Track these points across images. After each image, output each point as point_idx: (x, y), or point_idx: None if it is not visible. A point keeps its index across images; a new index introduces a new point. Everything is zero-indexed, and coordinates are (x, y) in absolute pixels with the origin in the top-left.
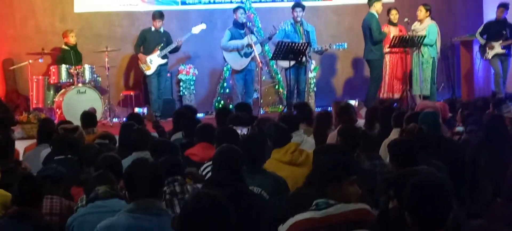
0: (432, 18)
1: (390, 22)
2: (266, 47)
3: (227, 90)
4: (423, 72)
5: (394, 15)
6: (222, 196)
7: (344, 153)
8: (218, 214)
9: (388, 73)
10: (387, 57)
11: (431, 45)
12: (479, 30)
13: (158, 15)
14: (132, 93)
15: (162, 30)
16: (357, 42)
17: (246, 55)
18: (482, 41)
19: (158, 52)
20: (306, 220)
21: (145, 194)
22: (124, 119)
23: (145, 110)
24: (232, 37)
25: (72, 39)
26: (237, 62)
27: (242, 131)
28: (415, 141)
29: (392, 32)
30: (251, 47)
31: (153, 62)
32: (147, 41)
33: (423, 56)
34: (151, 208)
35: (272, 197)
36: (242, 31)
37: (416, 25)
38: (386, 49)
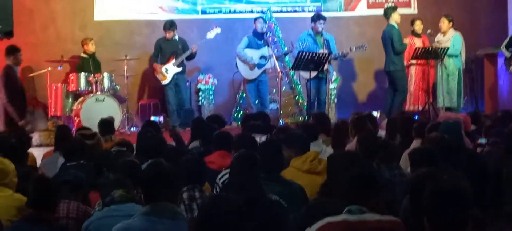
0: (455, 29)
1: (414, 33)
2: (287, 58)
3: None
4: (448, 84)
5: (418, 26)
6: (239, 199)
7: (357, 158)
8: (235, 216)
9: (413, 85)
10: (413, 69)
11: (456, 56)
12: (505, 42)
13: (168, 25)
14: (150, 102)
15: (177, 38)
16: (379, 54)
17: (259, 66)
18: (507, 54)
19: (174, 60)
20: (338, 223)
21: (160, 197)
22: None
23: (161, 118)
24: (249, 45)
25: (91, 48)
26: (247, 71)
27: (261, 138)
28: (437, 149)
29: (417, 43)
30: (266, 59)
31: (169, 71)
32: (163, 50)
33: (446, 68)
34: (166, 211)
35: (290, 206)
36: (260, 42)
37: (439, 37)
38: (413, 61)
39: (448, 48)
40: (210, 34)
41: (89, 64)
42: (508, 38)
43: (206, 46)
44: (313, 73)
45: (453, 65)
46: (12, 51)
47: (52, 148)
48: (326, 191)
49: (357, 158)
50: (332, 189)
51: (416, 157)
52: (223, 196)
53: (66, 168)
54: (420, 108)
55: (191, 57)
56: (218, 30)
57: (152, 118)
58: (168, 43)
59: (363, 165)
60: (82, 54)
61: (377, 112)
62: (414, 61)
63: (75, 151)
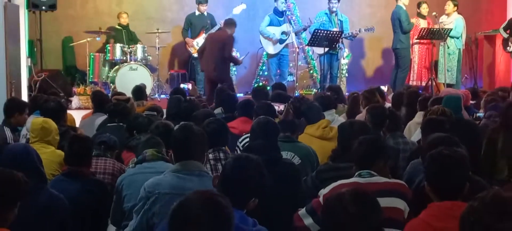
0: (458, 13)
1: (419, 15)
2: (303, 35)
3: (266, 73)
4: (449, 62)
5: (424, 8)
6: (259, 159)
7: (365, 126)
8: (256, 174)
9: (417, 62)
10: (416, 48)
11: (458, 38)
12: (503, 25)
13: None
14: (179, 72)
15: (206, 13)
16: (388, 34)
17: (281, 41)
18: (505, 35)
19: (204, 34)
20: (350, 184)
21: (189, 156)
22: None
23: (190, 86)
24: (271, 23)
25: (123, 20)
26: (271, 46)
27: (279, 107)
28: (445, 121)
29: (421, 24)
30: (287, 34)
31: (199, 45)
32: (193, 25)
33: (448, 47)
34: (194, 169)
35: (303, 162)
36: (281, 19)
37: (443, 19)
38: (415, 40)
39: (451, 30)
40: (237, 10)
41: (122, 35)
42: (507, 21)
43: None
44: (326, 49)
45: (454, 46)
46: (232, 23)
47: (90, 111)
48: (336, 156)
49: (365, 126)
50: (342, 154)
51: (428, 127)
52: (245, 156)
53: (106, 128)
54: (423, 83)
55: None
56: (243, 6)
57: (181, 86)
58: (198, 19)
59: (370, 133)
60: (117, 26)
61: (386, 87)
62: (417, 41)
63: (117, 113)
